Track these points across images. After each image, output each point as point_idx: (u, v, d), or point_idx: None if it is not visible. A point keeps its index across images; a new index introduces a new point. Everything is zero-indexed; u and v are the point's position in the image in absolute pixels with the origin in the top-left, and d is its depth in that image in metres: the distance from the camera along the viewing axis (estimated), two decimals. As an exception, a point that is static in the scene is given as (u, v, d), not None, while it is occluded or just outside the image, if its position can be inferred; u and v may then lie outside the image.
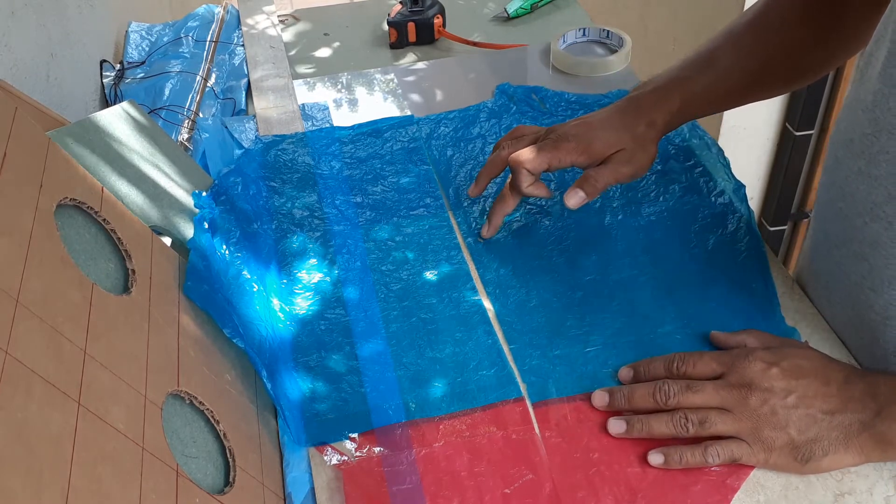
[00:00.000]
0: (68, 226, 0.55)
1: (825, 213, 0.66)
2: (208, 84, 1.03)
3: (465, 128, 0.93)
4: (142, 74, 1.06)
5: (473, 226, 0.80)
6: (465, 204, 0.83)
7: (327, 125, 0.95)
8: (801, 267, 0.74)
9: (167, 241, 0.68)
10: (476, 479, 0.58)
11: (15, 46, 0.83)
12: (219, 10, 1.19)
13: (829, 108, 1.74)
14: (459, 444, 0.60)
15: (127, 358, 0.51)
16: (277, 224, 0.80)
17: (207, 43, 1.11)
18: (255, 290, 0.69)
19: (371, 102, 1.01)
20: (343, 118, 0.98)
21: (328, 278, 0.74)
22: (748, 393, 0.57)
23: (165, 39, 1.13)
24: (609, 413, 0.62)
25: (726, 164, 0.84)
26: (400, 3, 1.14)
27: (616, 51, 1.07)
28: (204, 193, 0.74)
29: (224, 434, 0.55)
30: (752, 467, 0.58)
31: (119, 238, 0.58)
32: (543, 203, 0.82)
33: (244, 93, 1.04)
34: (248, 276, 0.70)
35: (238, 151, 0.91)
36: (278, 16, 1.21)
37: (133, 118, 0.76)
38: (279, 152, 0.90)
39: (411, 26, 1.12)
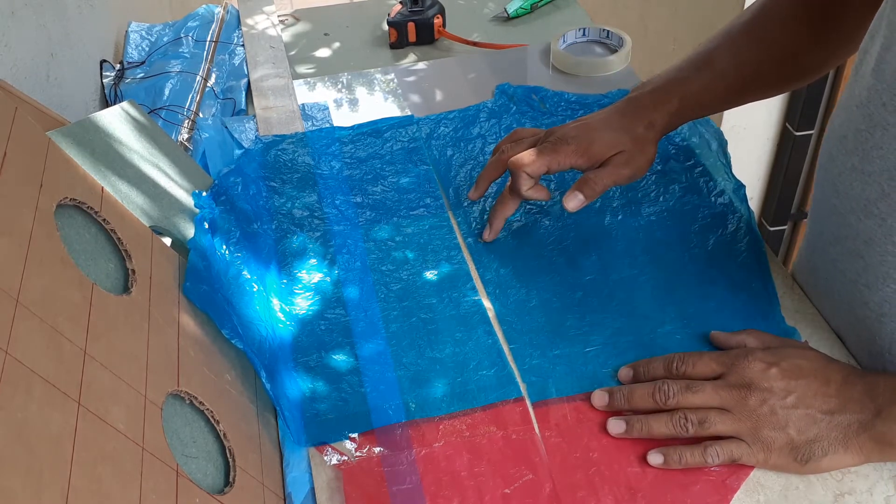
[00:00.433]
0: (68, 226, 0.55)
1: (820, 211, 0.66)
2: (208, 84, 1.03)
3: (465, 128, 0.93)
4: (142, 74, 1.06)
5: (473, 226, 0.80)
6: (465, 204, 0.83)
7: (327, 125, 0.95)
8: (799, 264, 0.74)
9: (167, 241, 0.68)
10: (476, 479, 0.58)
11: (15, 46, 0.83)
12: (219, 10, 1.19)
13: (829, 107, 1.74)
14: (459, 444, 0.60)
15: (127, 358, 0.51)
16: (277, 224, 0.80)
17: (207, 43, 1.11)
18: (255, 290, 0.69)
19: (371, 102, 1.01)
20: (343, 118, 0.98)
21: (328, 278, 0.74)
22: (747, 393, 0.57)
23: (165, 39, 1.13)
24: (609, 413, 0.62)
25: (727, 164, 0.84)
26: (400, 3, 1.14)
27: (616, 51, 1.07)
28: (204, 193, 0.74)
29: (224, 434, 0.55)
30: (752, 467, 0.58)
31: (119, 238, 0.58)
32: (543, 203, 0.82)
33: (244, 93, 1.04)
34: (248, 277, 0.70)
35: (238, 151, 0.91)
36: (278, 16, 1.21)
37: (133, 118, 0.76)
38: (279, 152, 0.90)
39: (411, 26, 1.12)
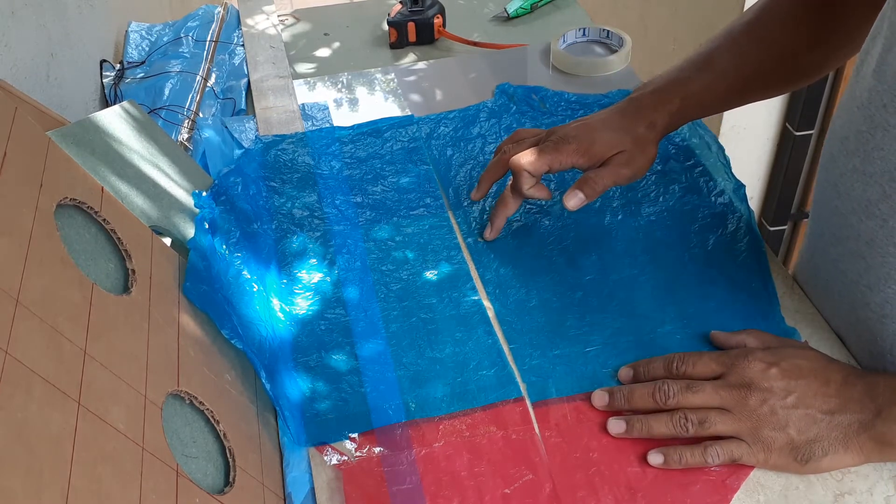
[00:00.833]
0: (68, 226, 0.55)
1: (821, 212, 0.66)
2: (208, 84, 1.03)
3: (465, 128, 0.93)
4: (142, 74, 1.06)
5: (473, 226, 0.80)
6: (465, 204, 0.83)
7: (327, 125, 0.95)
8: (799, 265, 0.74)
9: (167, 241, 0.68)
10: (476, 479, 0.58)
11: (15, 46, 0.83)
12: (219, 10, 1.19)
13: (829, 108, 1.74)
14: (459, 444, 0.60)
15: (127, 358, 0.51)
16: (277, 224, 0.80)
17: (207, 43, 1.11)
18: (255, 290, 0.69)
19: (371, 102, 1.01)
20: (343, 118, 0.98)
21: (328, 278, 0.74)
22: (748, 393, 0.57)
23: (165, 39, 1.13)
24: (609, 413, 0.62)
25: (726, 164, 0.84)
26: (400, 3, 1.14)
27: (616, 51, 1.07)
28: (204, 193, 0.74)
29: (224, 434, 0.55)
30: (752, 467, 0.58)
31: (119, 238, 0.58)
32: (543, 203, 0.82)
33: (244, 93, 1.04)
34: (248, 277, 0.70)
35: (238, 151, 0.91)
36: (278, 16, 1.21)
37: (133, 118, 0.76)
38: (279, 152, 0.90)
39: (411, 26, 1.12)
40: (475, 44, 1.12)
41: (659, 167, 0.85)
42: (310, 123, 0.96)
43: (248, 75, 1.06)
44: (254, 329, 0.65)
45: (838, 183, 0.61)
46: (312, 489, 0.58)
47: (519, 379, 0.65)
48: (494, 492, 0.57)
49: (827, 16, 0.69)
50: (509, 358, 0.67)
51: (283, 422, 0.62)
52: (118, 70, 1.07)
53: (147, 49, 1.13)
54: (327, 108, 0.99)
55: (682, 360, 0.61)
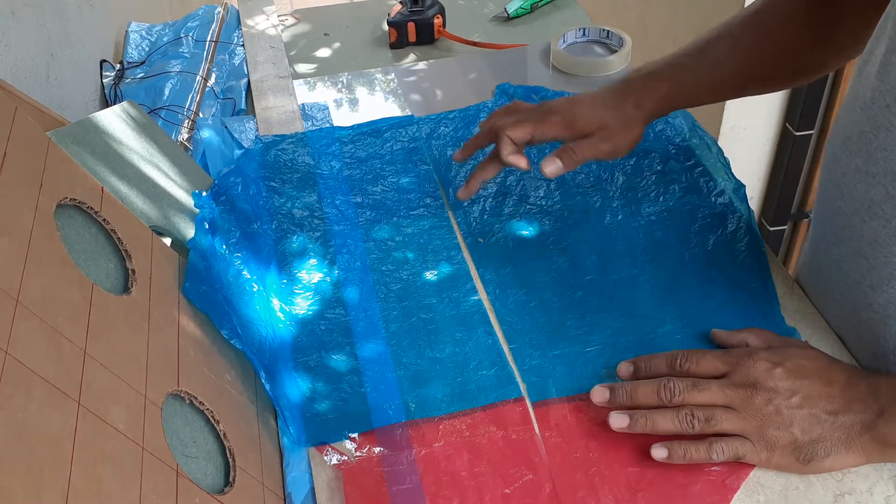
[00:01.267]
0: (68, 226, 0.55)
1: (824, 212, 0.66)
2: (208, 84, 1.03)
3: (465, 128, 0.93)
4: (142, 74, 1.06)
5: (473, 226, 0.80)
6: (465, 204, 0.83)
7: (327, 125, 0.95)
8: (802, 266, 0.74)
9: (167, 241, 0.68)
10: (476, 479, 0.58)
11: (15, 46, 0.83)
12: (219, 10, 1.19)
13: (829, 107, 1.74)
14: (459, 444, 0.60)
15: (127, 358, 0.51)
16: (277, 224, 0.80)
17: (207, 43, 1.11)
18: (254, 290, 0.69)
19: (371, 102, 1.01)
20: (343, 118, 0.98)
21: (328, 278, 0.74)
22: (753, 392, 0.57)
23: (165, 39, 1.13)
24: (609, 410, 0.61)
25: (726, 164, 0.84)
26: (400, 3, 1.14)
27: (616, 51, 1.07)
28: (204, 193, 0.74)
29: (224, 434, 0.55)
30: (752, 467, 0.58)
31: (119, 238, 0.58)
32: (544, 203, 0.82)
33: (244, 93, 1.04)
34: (248, 277, 0.70)
35: (238, 151, 0.91)
36: (278, 16, 1.21)
37: (133, 118, 0.76)
38: (279, 152, 0.90)
39: (411, 26, 1.12)
40: (475, 44, 1.12)
41: (659, 167, 0.85)
42: (310, 123, 0.96)
43: (248, 75, 1.06)
44: (254, 329, 0.65)
45: (841, 183, 0.61)
46: (312, 489, 0.58)
47: (519, 379, 0.65)
48: (494, 492, 0.57)
49: (829, 16, 0.69)
50: (509, 358, 0.67)
51: (283, 422, 0.62)
52: (118, 70, 1.07)
53: (147, 49, 1.13)
54: (327, 108, 0.99)
55: (686, 358, 0.61)
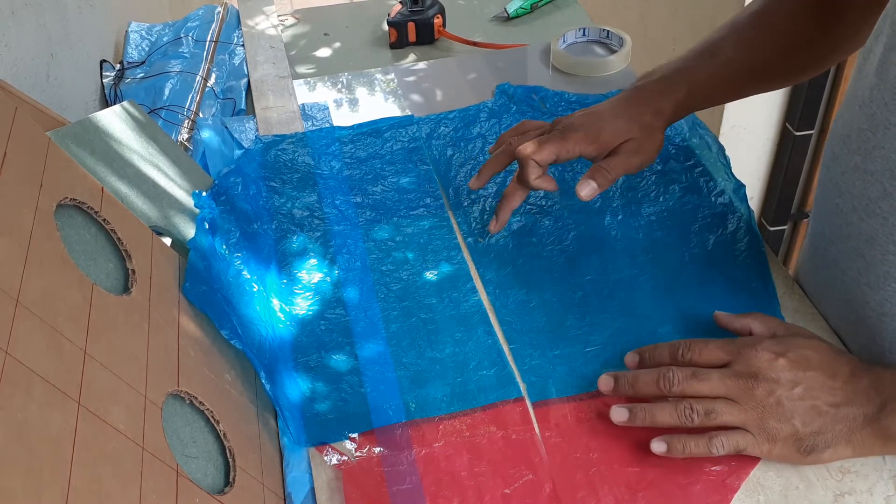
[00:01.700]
0: (68, 226, 0.55)
1: (822, 210, 0.66)
2: (208, 84, 1.03)
3: (465, 128, 0.93)
4: (142, 74, 1.06)
5: (473, 226, 0.80)
6: (465, 204, 0.83)
7: (327, 125, 0.95)
8: (800, 264, 0.74)
9: (167, 241, 0.68)
10: (476, 479, 0.58)
11: (15, 46, 0.83)
12: (219, 10, 1.19)
13: (830, 107, 1.74)
14: (459, 444, 0.60)
15: (127, 358, 0.51)
16: (277, 224, 0.80)
17: (207, 43, 1.11)
18: (255, 290, 0.69)
19: (371, 102, 1.01)
20: (343, 118, 0.98)
21: (328, 278, 0.74)
22: (755, 383, 0.57)
23: (165, 39, 1.13)
24: (612, 403, 0.61)
25: (726, 164, 0.84)
26: (400, 3, 1.14)
27: (616, 51, 1.07)
28: (204, 193, 0.74)
29: (224, 434, 0.55)
30: (753, 467, 0.58)
31: (119, 238, 0.58)
32: (543, 203, 0.82)
33: (244, 93, 1.04)
34: (248, 277, 0.70)
35: (238, 151, 0.91)
36: (278, 16, 1.21)
37: (133, 118, 0.76)
38: (279, 152, 0.90)
39: (411, 26, 1.12)
40: (475, 44, 1.12)
41: (659, 167, 0.85)
42: (310, 123, 0.96)
43: (248, 75, 1.06)
44: (254, 329, 0.65)
45: (839, 181, 0.61)
46: (312, 489, 0.58)
47: (519, 379, 0.65)
48: (494, 492, 0.57)
49: (830, 10, 0.70)
50: (509, 358, 0.67)
51: (283, 422, 0.62)
52: (118, 70, 1.07)
53: (147, 49, 1.13)
54: (327, 108, 0.99)
55: (689, 347, 0.60)
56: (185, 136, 0.93)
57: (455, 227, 0.80)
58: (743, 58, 0.73)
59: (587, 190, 0.70)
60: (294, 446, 0.61)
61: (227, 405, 0.58)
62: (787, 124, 1.81)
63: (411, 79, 1.05)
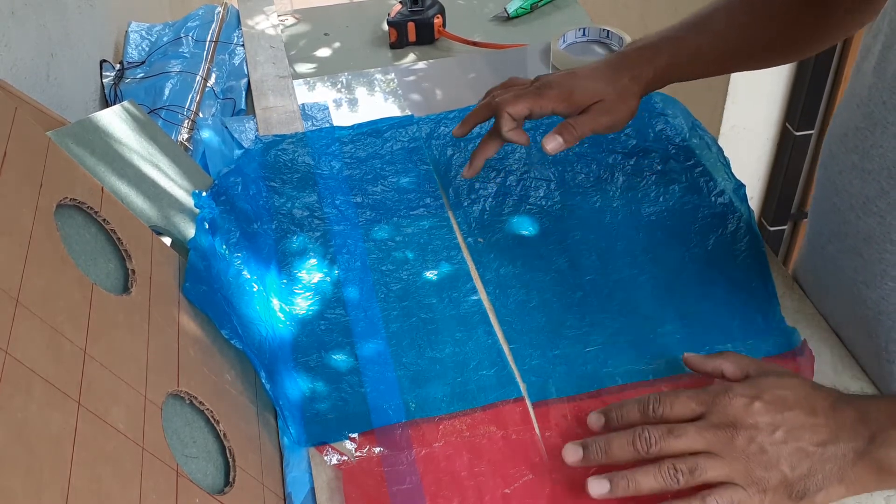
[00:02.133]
0: (68, 226, 0.55)
1: (820, 209, 0.66)
2: (208, 84, 1.03)
3: (465, 128, 0.93)
4: (142, 74, 1.06)
5: (473, 226, 0.80)
6: (465, 204, 0.83)
7: (327, 125, 0.95)
8: (799, 263, 0.74)
9: (167, 241, 0.68)
10: (476, 479, 0.58)
11: (15, 46, 0.83)
12: (219, 10, 1.19)
13: (830, 107, 1.74)
14: (459, 444, 0.60)
15: (127, 358, 0.51)
16: (277, 224, 0.80)
17: (207, 43, 1.11)
18: (254, 290, 0.69)
19: (371, 102, 1.01)
20: (343, 118, 0.98)
21: (328, 278, 0.74)
22: (734, 432, 0.53)
23: (165, 39, 1.13)
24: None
25: (726, 164, 0.84)
26: (400, 3, 1.14)
27: (616, 50, 1.07)
28: (204, 193, 0.74)
29: (224, 434, 0.55)
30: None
31: (119, 238, 0.58)
32: (544, 203, 0.82)
33: (244, 93, 1.04)
34: (248, 277, 0.70)
35: (238, 151, 0.91)
36: (278, 16, 1.21)
37: (133, 118, 0.76)
38: (279, 152, 0.90)
39: (411, 26, 1.12)
40: (475, 44, 1.12)
41: (659, 167, 0.85)
42: (310, 123, 0.96)
43: (248, 75, 1.06)
44: (254, 329, 0.65)
45: (837, 180, 0.61)
46: (312, 489, 0.58)
47: (519, 379, 0.65)
48: (494, 492, 0.57)
49: None
50: (509, 358, 0.67)
51: (283, 422, 0.62)
52: (118, 70, 1.07)
53: (147, 49, 1.13)
54: (327, 108, 0.99)
55: (659, 402, 0.56)
56: (185, 136, 0.93)
57: (455, 227, 0.80)
58: (732, 35, 0.73)
59: (553, 144, 0.72)
60: (294, 446, 0.61)
61: (227, 405, 0.58)
62: (787, 124, 1.81)
63: (411, 79, 1.05)
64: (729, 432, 0.53)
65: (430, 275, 0.75)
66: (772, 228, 1.95)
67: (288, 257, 0.77)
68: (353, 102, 1.01)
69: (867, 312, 0.61)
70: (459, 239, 0.79)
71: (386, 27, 1.14)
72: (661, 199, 0.81)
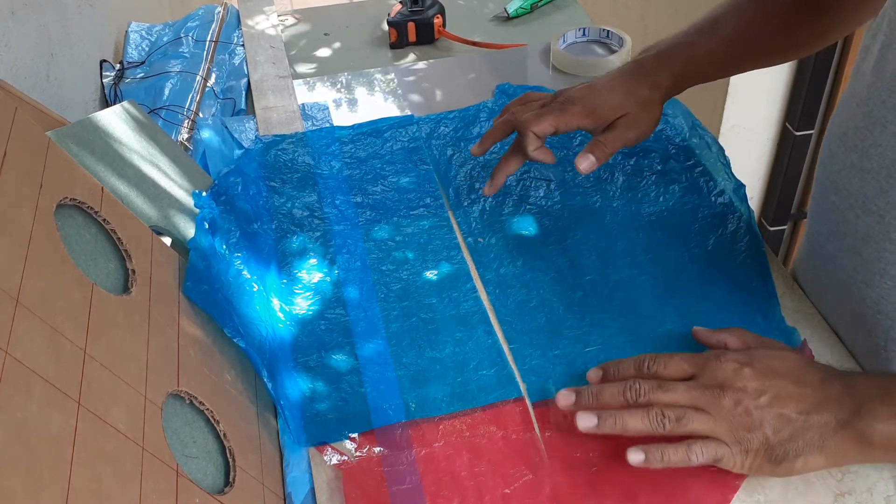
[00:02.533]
0: (68, 226, 0.55)
1: (819, 208, 0.66)
2: (208, 84, 1.03)
3: (465, 128, 0.93)
4: (142, 74, 1.06)
5: (473, 226, 0.80)
6: (465, 204, 0.83)
7: (327, 125, 0.95)
8: (798, 262, 0.74)
9: (167, 241, 0.68)
10: (476, 479, 0.58)
11: (15, 46, 0.83)
12: (219, 10, 1.20)
13: (830, 107, 1.74)
14: (459, 444, 0.60)
15: (127, 358, 0.51)
16: (277, 224, 0.80)
17: (207, 43, 1.12)
18: (255, 290, 0.69)
19: (371, 102, 1.01)
20: (343, 118, 0.98)
21: (328, 278, 0.74)
22: (721, 393, 0.55)
23: (165, 39, 1.13)
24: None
25: (726, 164, 0.84)
26: (400, 3, 1.14)
27: (616, 51, 1.07)
28: (204, 193, 0.74)
29: (224, 434, 0.55)
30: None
31: (119, 238, 0.58)
32: (544, 203, 0.82)
33: (244, 93, 1.04)
34: (248, 276, 0.70)
35: (238, 151, 0.91)
36: (278, 16, 1.21)
37: (133, 118, 0.76)
38: (279, 152, 0.90)
39: (411, 26, 1.12)
40: (475, 44, 1.12)
41: (659, 167, 0.85)
42: (310, 123, 0.96)
43: (248, 75, 1.06)
44: (254, 329, 0.65)
45: (836, 179, 0.61)
46: (312, 489, 0.58)
47: (519, 379, 0.65)
48: (494, 492, 0.57)
49: None
50: (509, 358, 0.67)
51: (284, 422, 0.62)
52: (118, 70, 1.07)
53: (147, 49, 1.13)
54: (327, 108, 0.99)
55: (654, 361, 0.59)
56: (185, 136, 0.93)
57: (455, 227, 0.80)
58: (743, 34, 0.73)
59: (586, 164, 0.72)
60: (294, 446, 0.61)
61: (227, 405, 0.58)
62: (787, 124, 1.81)
63: (411, 79, 1.05)
64: (716, 392, 0.56)
65: (430, 275, 0.75)
66: (772, 228, 1.95)
67: (288, 257, 0.77)
68: (353, 102, 1.01)
69: (866, 311, 0.61)
70: (459, 239, 0.79)
71: (386, 27, 1.14)
72: (661, 199, 0.81)
